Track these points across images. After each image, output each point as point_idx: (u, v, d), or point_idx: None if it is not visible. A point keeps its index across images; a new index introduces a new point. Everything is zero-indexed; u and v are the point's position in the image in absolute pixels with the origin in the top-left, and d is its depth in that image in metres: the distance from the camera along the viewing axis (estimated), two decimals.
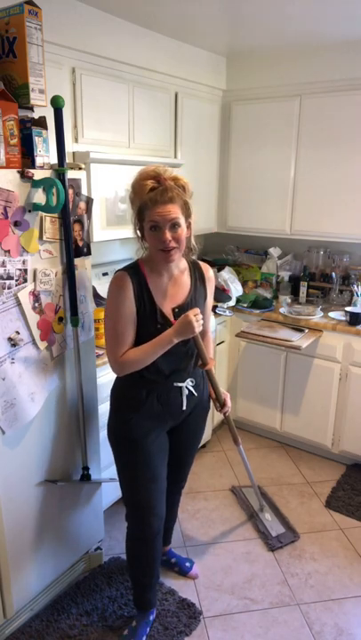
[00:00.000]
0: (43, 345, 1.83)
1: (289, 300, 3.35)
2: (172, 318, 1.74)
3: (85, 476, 2.13)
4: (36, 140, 1.73)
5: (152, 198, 1.60)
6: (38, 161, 1.75)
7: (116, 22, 2.48)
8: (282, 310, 3.23)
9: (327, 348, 3.02)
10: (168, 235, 1.62)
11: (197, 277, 1.84)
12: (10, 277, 1.68)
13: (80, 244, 1.94)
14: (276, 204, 3.32)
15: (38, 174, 1.70)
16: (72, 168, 1.85)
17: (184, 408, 1.85)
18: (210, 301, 1.93)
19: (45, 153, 1.77)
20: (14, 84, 1.70)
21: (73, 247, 1.87)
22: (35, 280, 1.77)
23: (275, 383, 3.27)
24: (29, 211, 1.70)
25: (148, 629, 2.00)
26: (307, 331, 3.05)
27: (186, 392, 1.83)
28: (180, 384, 1.82)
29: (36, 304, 1.78)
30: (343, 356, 2.99)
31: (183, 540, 2.53)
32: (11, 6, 1.64)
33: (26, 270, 1.73)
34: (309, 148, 3.13)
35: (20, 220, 1.67)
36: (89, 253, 2.00)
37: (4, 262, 1.65)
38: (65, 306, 1.91)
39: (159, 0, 2.28)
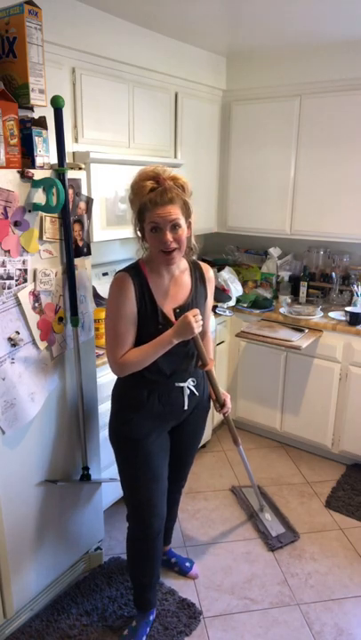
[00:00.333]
0: (43, 345, 1.83)
1: (289, 300, 3.35)
2: (172, 319, 1.74)
3: (85, 476, 2.13)
4: (36, 140, 1.73)
5: (152, 199, 1.59)
6: (38, 161, 1.75)
7: (116, 22, 2.48)
8: (282, 310, 3.23)
9: (327, 347, 3.02)
10: (169, 236, 1.62)
11: (198, 278, 1.84)
12: (10, 277, 1.68)
13: (80, 243, 1.94)
14: (276, 204, 3.32)
15: (38, 174, 1.70)
16: (72, 168, 1.85)
17: (185, 408, 1.85)
18: (210, 302, 1.93)
19: (45, 153, 1.77)
20: (14, 84, 1.70)
21: (73, 247, 1.87)
22: (35, 280, 1.77)
23: (275, 383, 3.27)
24: (29, 211, 1.70)
25: (148, 629, 2.00)
26: (307, 331, 3.05)
27: (187, 392, 1.83)
28: (181, 384, 1.82)
29: (36, 304, 1.78)
30: (343, 356, 2.99)
31: (183, 540, 2.53)
32: (11, 6, 1.64)
33: (26, 270, 1.73)
34: (309, 148, 3.13)
35: (20, 220, 1.67)
36: (89, 253, 2.00)
37: (4, 262, 1.65)
38: (65, 306, 1.91)
39: (159, 0, 2.28)
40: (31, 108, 1.77)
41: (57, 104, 1.72)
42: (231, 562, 2.40)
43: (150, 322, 1.71)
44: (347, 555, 2.45)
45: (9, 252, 1.66)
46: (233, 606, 2.16)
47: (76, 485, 2.14)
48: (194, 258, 1.88)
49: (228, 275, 3.38)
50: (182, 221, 1.64)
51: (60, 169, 1.77)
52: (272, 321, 3.23)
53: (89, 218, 1.98)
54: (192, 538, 2.56)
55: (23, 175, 1.65)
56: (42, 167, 1.77)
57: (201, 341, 1.77)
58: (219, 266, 3.53)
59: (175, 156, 3.06)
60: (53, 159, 1.80)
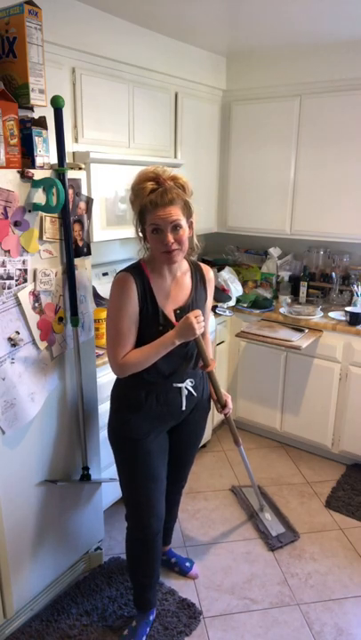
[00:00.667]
0: (43, 345, 1.83)
1: (289, 300, 3.35)
2: (173, 320, 1.74)
3: (85, 476, 2.13)
4: (36, 140, 1.73)
5: (152, 201, 1.59)
6: (38, 161, 1.75)
7: (116, 22, 2.48)
8: (282, 310, 3.23)
9: (327, 347, 3.02)
10: (170, 237, 1.62)
11: (198, 279, 1.85)
12: (10, 277, 1.68)
13: (80, 243, 1.94)
14: (276, 204, 3.32)
15: (38, 174, 1.70)
16: (72, 168, 1.85)
17: (183, 408, 1.85)
18: (210, 303, 1.93)
19: (45, 153, 1.77)
20: (14, 84, 1.70)
21: (73, 247, 1.87)
22: (35, 280, 1.77)
23: (275, 383, 3.27)
24: (29, 211, 1.70)
25: (148, 629, 2.00)
26: (307, 331, 3.05)
27: (185, 392, 1.83)
28: (179, 385, 1.82)
29: (36, 304, 1.78)
30: (343, 356, 2.99)
31: (183, 540, 2.53)
32: (11, 6, 1.64)
33: (26, 270, 1.73)
34: (309, 147, 3.13)
35: (20, 220, 1.67)
36: (89, 253, 2.00)
37: (4, 262, 1.65)
38: (65, 306, 1.91)
39: (159, 0, 2.28)
40: (31, 108, 1.77)
41: (57, 104, 1.72)
42: (231, 562, 2.40)
43: (151, 322, 1.71)
44: (347, 555, 2.45)
45: (9, 252, 1.66)
46: (233, 606, 2.16)
47: (76, 485, 2.14)
48: (194, 259, 1.89)
49: (228, 275, 3.38)
50: (183, 222, 1.64)
51: (60, 169, 1.77)
52: (272, 321, 3.23)
53: (89, 218, 1.98)
54: (192, 538, 2.56)
55: (23, 175, 1.65)
56: (42, 167, 1.77)
57: (203, 342, 1.77)
58: (219, 266, 3.53)
59: (175, 156, 3.06)
60: (53, 159, 1.80)
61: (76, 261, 1.91)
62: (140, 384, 1.78)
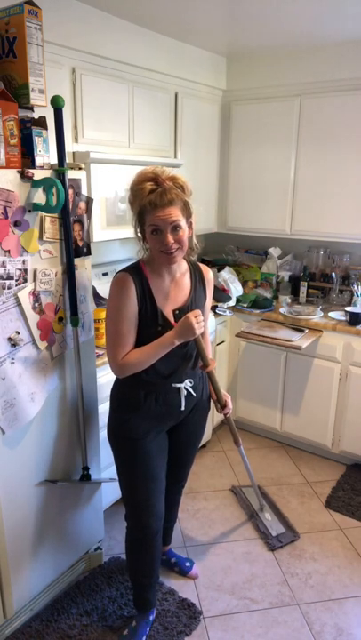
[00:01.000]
0: (43, 345, 1.83)
1: (289, 300, 3.35)
2: (172, 320, 1.74)
3: (85, 476, 2.13)
4: (36, 140, 1.73)
5: (152, 201, 1.59)
6: (38, 161, 1.75)
7: (116, 22, 2.48)
8: (282, 310, 3.23)
9: (327, 347, 3.02)
10: (170, 238, 1.62)
11: (198, 279, 1.85)
12: (10, 277, 1.68)
13: (80, 243, 1.94)
14: (276, 204, 3.32)
15: (38, 174, 1.70)
16: (72, 168, 1.85)
17: (182, 408, 1.85)
18: (209, 303, 1.93)
19: (45, 153, 1.77)
20: (14, 84, 1.70)
21: (73, 247, 1.87)
22: (35, 280, 1.77)
23: (275, 383, 3.27)
24: (29, 211, 1.70)
25: (147, 629, 2.00)
26: (307, 331, 3.05)
27: (184, 392, 1.84)
28: (178, 385, 1.82)
29: (36, 304, 1.78)
30: (343, 356, 2.99)
31: (183, 540, 2.53)
32: (11, 6, 1.64)
33: (26, 270, 1.73)
34: (309, 147, 3.13)
35: (20, 220, 1.67)
36: (89, 253, 2.00)
37: (4, 262, 1.65)
38: (65, 306, 1.91)
39: (159, 0, 2.28)
40: (31, 108, 1.77)
41: (57, 104, 1.72)
42: (231, 562, 2.40)
43: (150, 323, 1.71)
44: (347, 555, 2.45)
45: (9, 252, 1.66)
46: (233, 606, 2.16)
47: (76, 485, 2.14)
48: (194, 259, 1.88)
49: (228, 275, 3.38)
50: (183, 222, 1.64)
51: (60, 169, 1.77)
52: (272, 321, 3.23)
53: (89, 218, 1.98)
54: (192, 538, 2.56)
55: (23, 175, 1.65)
56: (42, 167, 1.77)
57: (202, 342, 1.77)
58: (219, 266, 3.53)
59: (175, 156, 3.06)
60: (53, 159, 1.80)
61: (76, 261, 1.91)
62: (139, 384, 1.78)
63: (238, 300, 3.37)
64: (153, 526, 1.88)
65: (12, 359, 1.73)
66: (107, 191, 2.45)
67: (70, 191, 1.83)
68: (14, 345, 1.72)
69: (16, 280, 1.70)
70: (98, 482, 2.24)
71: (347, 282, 3.33)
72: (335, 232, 3.16)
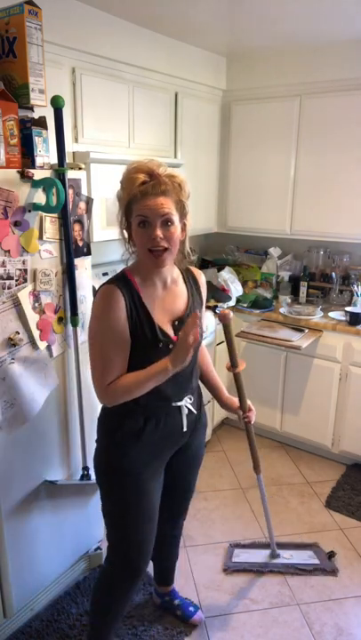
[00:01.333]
0: (43, 345, 1.83)
1: (289, 300, 3.35)
2: (172, 334, 1.52)
3: (85, 476, 2.13)
4: (36, 140, 1.73)
5: (142, 190, 1.38)
6: (38, 161, 1.75)
7: (115, 22, 2.48)
8: (282, 310, 3.23)
9: (327, 347, 3.02)
10: (159, 231, 1.40)
11: (193, 285, 1.65)
12: (10, 277, 1.68)
13: (80, 244, 1.94)
14: (276, 204, 3.32)
15: (38, 174, 1.70)
16: (72, 168, 1.85)
17: (185, 429, 1.63)
18: (204, 309, 1.75)
19: (45, 153, 1.77)
20: (14, 84, 1.70)
21: (73, 247, 1.87)
22: (35, 280, 1.77)
23: (275, 383, 3.27)
24: (29, 211, 1.70)
25: None
26: (307, 331, 3.05)
27: (185, 411, 1.62)
28: (178, 403, 1.60)
29: (36, 304, 1.78)
30: (343, 356, 2.99)
31: (183, 540, 2.53)
32: (11, 6, 1.64)
33: (26, 270, 1.73)
34: (309, 147, 3.13)
35: (20, 220, 1.67)
36: (89, 253, 2.00)
37: (4, 262, 1.65)
38: (65, 306, 1.91)
39: (159, 0, 2.28)
40: (31, 108, 1.77)
41: (57, 104, 1.72)
42: None
43: (147, 341, 1.48)
44: (347, 555, 2.45)
45: (9, 252, 1.66)
46: (233, 606, 2.16)
47: (76, 485, 2.14)
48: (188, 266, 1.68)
49: (228, 275, 3.38)
50: (175, 218, 1.43)
51: (60, 169, 1.77)
52: (272, 321, 3.23)
53: (89, 218, 1.98)
54: (192, 538, 2.56)
55: (23, 175, 1.65)
56: (42, 167, 1.77)
57: (233, 336, 1.62)
58: (219, 266, 3.53)
59: (175, 156, 3.06)
60: (53, 159, 1.80)
61: (76, 261, 1.91)
62: (136, 409, 1.54)
63: (238, 300, 3.37)
64: (143, 569, 1.68)
65: (12, 359, 1.73)
66: (107, 191, 2.44)
67: (70, 191, 1.83)
68: (14, 345, 1.72)
69: (16, 280, 1.70)
70: None
71: (347, 282, 3.33)
72: (335, 232, 3.16)
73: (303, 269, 3.43)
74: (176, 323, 1.54)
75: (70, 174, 1.82)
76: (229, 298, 3.28)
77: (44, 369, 1.86)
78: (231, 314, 1.61)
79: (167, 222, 1.42)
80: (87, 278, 2.00)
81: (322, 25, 2.61)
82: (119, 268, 1.63)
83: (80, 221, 1.92)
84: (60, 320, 1.89)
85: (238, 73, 3.29)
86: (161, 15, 2.47)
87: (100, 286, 1.49)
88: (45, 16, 1.69)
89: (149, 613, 2.11)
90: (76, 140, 2.40)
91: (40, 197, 1.72)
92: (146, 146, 2.81)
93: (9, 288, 1.68)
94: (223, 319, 1.61)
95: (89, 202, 1.96)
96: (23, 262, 1.71)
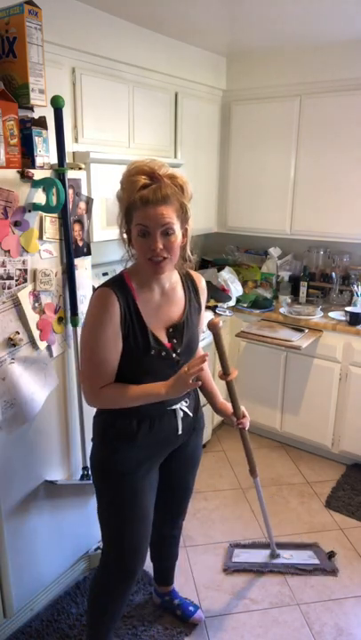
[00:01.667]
0: (43, 345, 1.83)
1: (289, 300, 3.35)
2: (165, 341, 1.51)
3: (85, 476, 2.13)
4: (36, 140, 1.73)
5: (143, 197, 1.35)
6: (38, 161, 1.75)
7: (116, 22, 2.48)
8: (282, 310, 3.23)
9: (327, 347, 3.02)
10: (159, 243, 1.39)
11: (191, 290, 1.63)
12: (10, 277, 1.68)
13: (80, 244, 1.94)
14: (276, 204, 3.32)
15: (38, 174, 1.70)
16: (72, 168, 1.85)
17: (180, 432, 1.62)
18: (203, 315, 1.70)
19: (45, 153, 1.77)
20: (14, 84, 1.70)
21: (73, 247, 1.87)
22: (35, 280, 1.77)
23: (275, 383, 3.27)
24: (29, 211, 1.70)
25: None
26: (307, 331, 3.05)
27: (180, 414, 1.61)
28: (173, 407, 1.59)
29: (36, 304, 1.78)
30: (343, 356, 2.99)
31: (183, 540, 2.53)
32: (11, 6, 1.64)
33: (26, 270, 1.73)
34: (309, 147, 3.13)
35: (20, 220, 1.67)
36: (89, 253, 2.00)
37: (4, 262, 1.65)
38: (65, 306, 1.91)
39: (159, 0, 2.28)
40: (31, 108, 1.77)
41: (57, 104, 1.72)
42: None
43: (139, 347, 1.47)
44: (347, 555, 2.45)
45: (9, 252, 1.66)
46: (233, 606, 2.16)
47: (76, 485, 2.14)
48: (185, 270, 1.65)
49: (228, 275, 3.38)
50: (176, 227, 1.41)
51: (60, 169, 1.77)
52: (272, 321, 3.23)
53: (89, 218, 1.98)
54: (192, 538, 2.56)
55: (23, 175, 1.65)
56: (42, 167, 1.77)
57: (224, 345, 1.62)
58: (219, 266, 3.53)
59: (175, 156, 3.06)
60: (53, 159, 1.80)
61: (76, 261, 1.91)
62: (130, 411, 1.53)
63: (238, 300, 3.37)
64: (138, 572, 1.69)
65: (12, 359, 1.73)
66: (107, 191, 2.44)
67: (70, 191, 1.83)
68: (14, 345, 1.72)
69: (16, 280, 1.70)
70: None
71: (347, 282, 3.33)
72: (335, 232, 3.16)
73: (303, 269, 3.43)
74: (170, 330, 1.53)
75: (70, 174, 1.82)
76: (229, 298, 3.28)
77: (44, 369, 1.86)
78: (221, 323, 1.58)
79: (168, 232, 1.40)
80: (87, 278, 2.00)
81: (322, 25, 2.61)
82: (119, 268, 1.62)
83: (80, 221, 1.92)
84: (60, 320, 1.90)
85: (238, 73, 3.29)
86: (161, 15, 2.47)
87: (97, 288, 1.49)
88: (45, 16, 1.69)
89: (149, 613, 2.11)
90: (76, 140, 2.40)
91: (40, 197, 1.72)
92: (146, 146, 2.81)
93: (9, 288, 1.68)
94: (213, 328, 1.56)
95: (89, 202, 1.96)
96: (23, 262, 1.71)
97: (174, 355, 1.53)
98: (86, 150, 2.35)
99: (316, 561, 2.37)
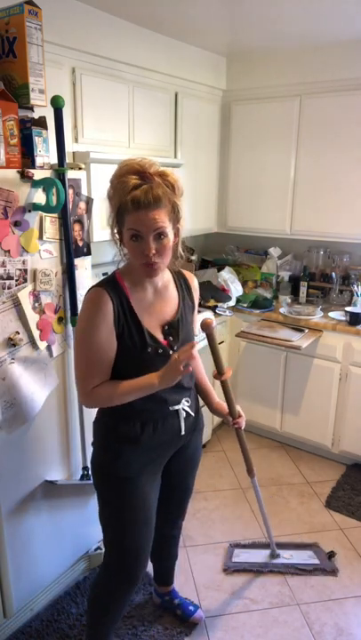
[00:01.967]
0: (43, 345, 1.83)
1: (289, 300, 3.35)
2: (161, 339, 1.51)
3: (85, 476, 2.13)
4: (36, 140, 1.73)
5: (135, 199, 1.34)
6: (38, 161, 1.75)
7: (116, 22, 2.48)
8: (282, 310, 3.23)
9: (327, 347, 3.02)
10: (152, 247, 1.38)
11: (184, 288, 1.62)
12: (10, 277, 1.68)
13: (80, 244, 1.94)
14: (276, 204, 3.32)
15: (38, 174, 1.70)
16: (72, 168, 1.85)
17: (183, 433, 1.61)
18: (196, 314, 1.70)
19: (45, 153, 1.77)
20: (14, 84, 1.70)
21: (73, 247, 1.87)
22: (35, 280, 1.77)
23: (275, 383, 3.27)
24: (29, 211, 1.70)
25: None
26: (307, 331, 3.05)
27: (183, 415, 1.60)
28: (176, 407, 1.58)
29: (36, 304, 1.78)
30: (343, 356, 2.99)
31: (183, 540, 2.53)
32: (11, 6, 1.64)
33: (26, 270, 1.73)
34: (309, 147, 3.13)
35: (20, 220, 1.67)
36: (89, 253, 2.00)
37: (4, 262, 1.65)
38: (65, 306, 1.91)
39: (159, 0, 2.28)
40: (31, 108, 1.77)
41: (57, 104, 1.72)
42: None
43: (135, 346, 1.47)
44: (347, 555, 2.45)
45: (9, 252, 1.66)
46: (233, 606, 2.16)
47: (76, 485, 2.14)
48: (177, 268, 1.64)
49: (228, 275, 3.38)
50: (169, 229, 1.40)
51: (60, 169, 1.77)
52: (272, 321, 3.23)
53: (89, 218, 1.98)
54: (192, 538, 2.56)
55: (23, 175, 1.65)
56: (42, 167, 1.77)
57: (217, 345, 1.61)
58: (219, 266, 3.53)
59: (175, 156, 3.06)
60: (53, 159, 1.80)
61: (76, 261, 1.91)
62: (132, 414, 1.53)
63: (238, 300, 3.37)
64: (140, 575, 1.67)
65: (12, 359, 1.73)
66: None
67: (70, 191, 1.83)
68: (14, 345, 1.72)
69: (16, 280, 1.70)
70: None
71: (347, 282, 3.33)
72: (335, 232, 3.16)
73: (303, 269, 3.43)
74: (166, 327, 1.53)
75: (70, 174, 1.82)
76: (229, 298, 3.28)
77: (44, 369, 1.86)
78: (214, 323, 1.57)
79: (160, 236, 1.39)
80: (87, 278, 2.00)
81: (322, 25, 2.61)
82: (120, 267, 1.61)
83: (80, 221, 1.93)
84: (60, 320, 1.90)
85: (238, 73, 3.29)
86: (161, 15, 2.47)
87: (89, 289, 1.49)
88: (45, 16, 1.69)
89: (149, 613, 2.11)
90: (76, 140, 2.40)
91: (40, 197, 1.72)
92: (146, 146, 2.81)
93: (9, 288, 1.68)
94: (206, 329, 1.53)
95: (89, 202, 1.96)
96: (23, 262, 1.71)
97: (171, 352, 1.51)
98: (86, 150, 2.35)
99: (316, 561, 2.37)
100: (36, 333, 1.79)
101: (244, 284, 3.52)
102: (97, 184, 2.38)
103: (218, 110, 3.38)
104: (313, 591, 2.24)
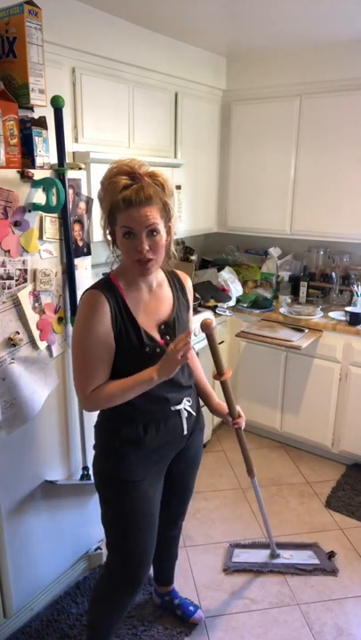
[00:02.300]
0: (43, 345, 1.83)
1: (289, 300, 3.35)
2: (158, 338, 1.52)
3: (85, 476, 2.13)
4: (36, 140, 1.73)
5: (126, 198, 1.35)
6: (38, 161, 1.75)
7: (116, 22, 2.48)
8: (282, 310, 3.23)
9: (327, 347, 3.02)
10: (145, 244, 1.39)
11: (178, 288, 1.63)
12: (10, 277, 1.68)
13: (80, 244, 1.94)
14: (276, 204, 3.32)
15: (38, 174, 1.70)
16: (72, 168, 1.85)
17: (185, 432, 1.62)
18: (191, 313, 1.69)
19: (45, 153, 1.77)
20: (14, 84, 1.70)
21: (73, 247, 1.87)
22: (35, 280, 1.77)
23: (275, 383, 3.27)
24: (29, 211, 1.70)
25: None
26: (307, 331, 3.05)
27: (185, 414, 1.61)
28: (177, 407, 1.58)
29: (36, 304, 1.78)
30: (343, 356, 2.99)
31: (183, 540, 2.53)
32: (11, 6, 1.64)
33: (26, 270, 1.73)
34: (309, 147, 3.13)
35: (20, 220, 1.67)
36: (89, 253, 2.00)
37: (4, 262, 1.65)
38: (65, 306, 1.91)
39: (159, 0, 2.28)
40: (31, 108, 1.77)
41: (57, 104, 1.72)
42: None
43: (133, 346, 1.47)
44: (347, 555, 2.45)
45: (9, 252, 1.66)
46: (233, 606, 2.16)
47: (76, 485, 2.14)
48: (170, 267, 1.65)
49: (228, 275, 3.38)
50: (161, 226, 1.41)
51: (60, 169, 1.77)
52: (272, 321, 3.23)
53: (89, 218, 1.98)
54: (192, 538, 2.56)
55: (23, 175, 1.65)
56: (42, 167, 1.77)
57: (217, 346, 1.61)
58: (219, 266, 3.53)
59: (175, 156, 3.06)
60: (53, 159, 1.80)
61: (76, 261, 1.91)
62: (134, 416, 1.53)
63: (238, 300, 3.37)
64: (143, 579, 1.67)
65: (12, 359, 1.73)
66: None
67: (70, 191, 1.83)
68: (14, 345, 1.72)
69: (16, 280, 1.70)
70: None
71: (347, 282, 3.33)
72: (335, 232, 3.16)
73: (303, 269, 3.43)
74: (162, 326, 1.54)
75: (70, 174, 1.82)
76: (229, 298, 3.28)
77: (44, 369, 1.86)
78: (214, 323, 1.57)
79: (153, 232, 1.40)
80: (87, 278, 2.00)
81: (322, 25, 2.61)
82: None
83: (80, 221, 1.93)
84: (60, 320, 1.90)
85: (238, 73, 3.29)
86: (161, 15, 2.48)
87: (85, 292, 1.49)
88: (45, 16, 1.69)
89: (149, 613, 2.11)
90: (76, 140, 2.40)
91: (40, 197, 1.72)
92: (146, 146, 2.81)
93: (9, 288, 1.68)
94: (206, 329, 1.54)
95: (89, 202, 1.96)
96: (23, 262, 1.71)
97: None
98: (86, 150, 2.35)
99: (316, 561, 2.37)
100: (35, 333, 1.79)
101: (244, 284, 3.52)
102: (97, 184, 2.36)
103: (218, 110, 3.38)
104: (313, 591, 2.24)
